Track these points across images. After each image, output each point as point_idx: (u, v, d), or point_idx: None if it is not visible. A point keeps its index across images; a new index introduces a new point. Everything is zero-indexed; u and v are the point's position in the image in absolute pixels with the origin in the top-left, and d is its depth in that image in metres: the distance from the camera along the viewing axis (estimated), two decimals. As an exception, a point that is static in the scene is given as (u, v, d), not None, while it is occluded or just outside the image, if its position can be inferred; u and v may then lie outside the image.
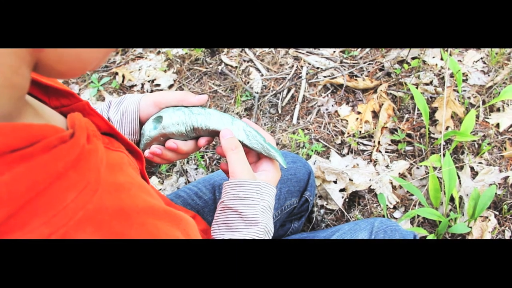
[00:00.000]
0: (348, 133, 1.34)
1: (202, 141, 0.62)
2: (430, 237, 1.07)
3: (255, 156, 0.66)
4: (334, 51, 1.58)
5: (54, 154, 0.27)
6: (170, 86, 1.54)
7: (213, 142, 1.39)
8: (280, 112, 1.42)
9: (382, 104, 1.37)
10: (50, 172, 0.26)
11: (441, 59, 1.49)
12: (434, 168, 1.15)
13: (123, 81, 1.58)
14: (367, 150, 1.31)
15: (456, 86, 1.37)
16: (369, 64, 1.51)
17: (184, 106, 0.61)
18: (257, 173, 0.62)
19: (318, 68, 1.52)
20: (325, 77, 1.48)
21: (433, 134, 1.30)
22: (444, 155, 1.13)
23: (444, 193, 1.11)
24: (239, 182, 0.57)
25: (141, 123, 0.63)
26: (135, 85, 1.57)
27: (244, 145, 0.61)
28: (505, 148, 1.26)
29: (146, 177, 0.47)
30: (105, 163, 0.32)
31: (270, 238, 0.59)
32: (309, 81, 1.48)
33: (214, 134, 0.61)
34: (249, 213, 0.56)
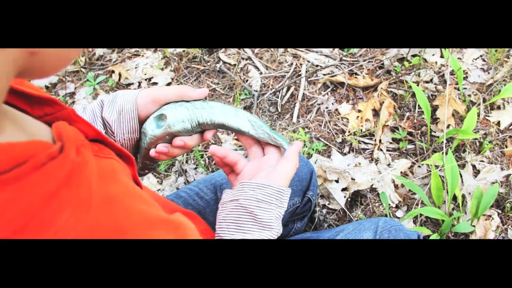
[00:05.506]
0: (349, 132, 1.32)
1: (209, 135, 0.62)
2: (434, 236, 1.06)
3: (260, 150, 0.64)
4: (334, 49, 1.56)
5: (44, 173, 0.25)
6: (168, 85, 1.52)
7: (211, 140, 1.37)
8: (279, 110, 1.40)
9: (383, 102, 1.36)
10: (42, 193, 0.24)
11: (441, 56, 1.48)
12: (436, 167, 1.14)
13: (119, 80, 1.55)
14: (368, 149, 1.30)
15: (457, 84, 1.36)
16: (368, 61, 1.49)
17: (185, 101, 0.60)
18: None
19: (317, 66, 1.50)
20: (324, 75, 1.47)
21: (434, 132, 1.29)
22: (446, 153, 1.12)
23: (447, 192, 1.10)
24: (262, 185, 0.56)
25: (140, 121, 0.60)
26: (132, 84, 1.54)
27: (250, 136, 0.61)
28: (506, 146, 1.26)
29: (139, 181, 0.46)
30: (96, 174, 0.30)
31: None
32: (309, 79, 1.47)
33: (218, 127, 0.61)
34: (264, 217, 0.55)
